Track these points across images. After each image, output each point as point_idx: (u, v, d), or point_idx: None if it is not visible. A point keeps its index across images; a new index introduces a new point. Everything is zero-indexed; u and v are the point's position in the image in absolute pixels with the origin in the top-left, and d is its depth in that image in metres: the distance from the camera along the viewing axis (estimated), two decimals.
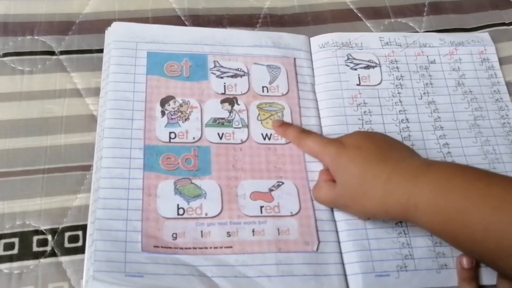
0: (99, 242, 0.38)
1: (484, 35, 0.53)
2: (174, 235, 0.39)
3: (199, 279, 0.38)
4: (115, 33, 0.48)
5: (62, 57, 0.48)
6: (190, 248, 0.39)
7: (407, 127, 0.46)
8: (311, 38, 0.50)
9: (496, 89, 0.49)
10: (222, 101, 0.46)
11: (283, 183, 0.43)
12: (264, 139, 0.45)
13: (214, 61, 0.47)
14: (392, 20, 0.54)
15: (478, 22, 0.55)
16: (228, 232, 0.40)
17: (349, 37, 0.50)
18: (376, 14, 0.54)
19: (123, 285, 0.36)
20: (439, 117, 0.47)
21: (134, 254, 0.38)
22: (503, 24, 0.55)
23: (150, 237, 0.39)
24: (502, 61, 0.52)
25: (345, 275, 0.40)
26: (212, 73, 0.47)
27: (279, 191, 0.42)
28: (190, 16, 0.52)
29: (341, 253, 0.40)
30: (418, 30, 0.54)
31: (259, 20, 0.53)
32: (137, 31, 0.48)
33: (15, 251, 0.39)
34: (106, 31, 0.49)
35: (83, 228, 0.40)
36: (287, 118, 0.46)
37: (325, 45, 0.50)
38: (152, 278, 0.37)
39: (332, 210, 0.42)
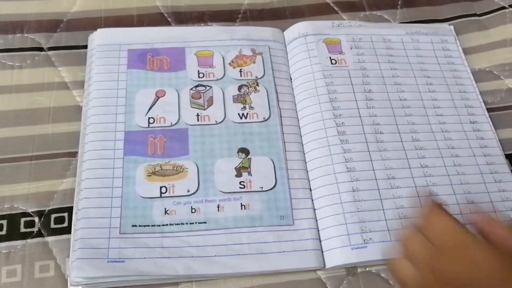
0: (82, 230, 0.40)
1: (445, 25, 0.55)
2: (151, 215, 0.41)
3: (178, 261, 0.39)
4: (99, 38, 0.50)
5: (50, 52, 0.51)
6: (167, 225, 0.41)
7: (372, 106, 0.48)
8: (284, 32, 0.53)
9: (456, 75, 0.52)
10: (198, 86, 0.48)
11: (258, 159, 0.44)
12: (241, 118, 0.47)
13: (193, 54, 0.50)
14: (367, 13, 0.56)
15: (451, 13, 0.57)
16: (195, 209, 0.42)
17: (319, 25, 0.53)
18: (352, 7, 0.57)
19: (105, 271, 0.38)
20: (405, 98, 0.49)
21: (116, 240, 0.40)
22: (475, 15, 0.57)
23: (129, 218, 0.41)
24: (472, 50, 0.54)
25: (322, 250, 0.41)
26: (188, 63, 0.49)
27: (254, 167, 0.44)
28: (173, 13, 0.55)
29: (318, 229, 0.42)
30: (393, 22, 0.56)
31: (239, 15, 0.55)
32: (120, 35, 0.50)
33: (3, 232, 0.41)
34: (89, 37, 0.51)
35: (69, 210, 0.42)
36: (263, 99, 0.48)
37: (298, 35, 0.52)
38: (133, 262, 0.39)
39: (309, 188, 0.44)
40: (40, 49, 0.51)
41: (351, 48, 0.52)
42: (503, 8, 0.57)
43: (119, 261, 0.39)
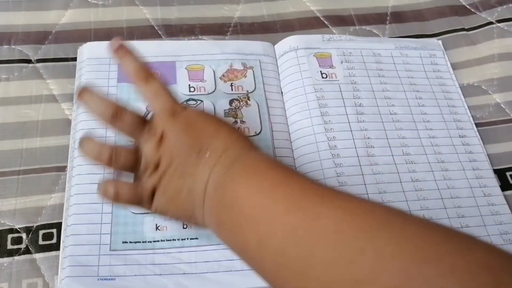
0: (71, 247, 0.39)
1: (433, 40, 0.56)
2: (142, 231, 0.41)
3: (169, 278, 0.39)
4: (88, 51, 0.50)
5: (39, 65, 0.50)
6: (158, 241, 0.40)
7: (363, 120, 0.49)
8: (275, 45, 0.53)
9: (444, 89, 0.52)
10: (189, 100, 0.48)
11: None
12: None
13: (183, 68, 0.49)
14: (357, 27, 0.57)
15: (439, 28, 0.58)
16: (187, 224, 0.41)
17: (310, 39, 0.53)
18: (342, 21, 0.57)
19: None
20: (395, 112, 0.50)
21: (106, 257, 0.39)
22: (463, 29, 0.58)
23: (119, 234, 0.40)
24: (461, 65, 0.55)
25: None
26: (179, 77, 0.49)
27: None
28: (163, 26, 0.54)
29: None
30: (382, 37, 0.56)
31: (230, 29, 0.55)
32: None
33: None
34: (78, 50, 0.50)
35: (58, 226, 0.41)
36: (255, 113, 0.48)
37: (288, 49, 0.52)
38: (123, 280, 0.38)
39: None
40: (28, 61, 0.50)
41: (341, 62, 0.52)
42: (491, 23, 0.58)
43: (109, 279, 0.38)
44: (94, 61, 0.49)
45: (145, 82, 0.38)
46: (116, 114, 0.36)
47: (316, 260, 0.27)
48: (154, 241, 0.40)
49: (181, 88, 0.48)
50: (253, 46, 0.52)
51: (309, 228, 0.28)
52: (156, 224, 0.41)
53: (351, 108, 0.49)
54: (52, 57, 0.50)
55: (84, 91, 0.38)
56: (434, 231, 0.27)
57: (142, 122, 0.37)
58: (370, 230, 0.27)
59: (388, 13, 0.58)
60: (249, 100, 0.48)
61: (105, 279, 0.38)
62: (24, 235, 0.41)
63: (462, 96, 0.52)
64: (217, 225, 0.34)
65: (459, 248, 0.25)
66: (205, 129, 0.36)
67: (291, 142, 0.47)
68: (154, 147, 0.36)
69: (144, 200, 0.36)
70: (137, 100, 0.47)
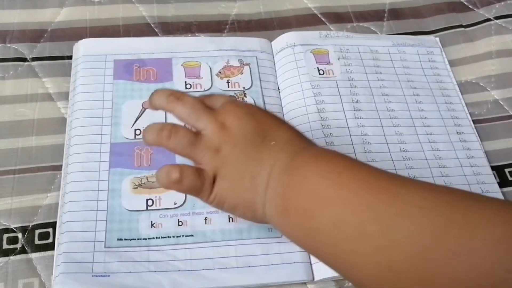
0: (66, 244, 0.39)
1: (431, 37, 0.56)
2: (137, 228, 0.40)
3: (164, 275, 0.38)
4: (84, 48, 0.49)
5: (34, 63, 0.50)
6: (153, 238, 0.40)
7: (360, 117, 0.48)
8: (272, 42, 0.53)
9: (442, 86, 0.52)
10: None
11: None
12: None
13: (180, 65, 0.49)
14: (355, 24, 0.57)
15: (437, 25, 0.57)
16: (182, 221, 0.41)
17: (307, 35, 0.53)
18: (339, 18, 0.57)
19: (90, 285, 0.37)
20: (392, 109, 0.49)
21: (100, 254, 0.39)
22: (461, 26, 0.57)
23: (114, 231, 0.40)
24: (458, 61, 0.54)
25: (310, 263, 0.41)
26: (175, 74, 0.49)
27: None
28: (159, 24, 0.54)
29: None
30: (379, 34, 0.56)
31: (227, 26, 0.55)
32: (105, 45, 0.50)
33: None
34: (74, 46, 0.50)
35: (54, 225, 0.41)
36: None
37: (285, 45, 0.52)
38: (118, 276, 0.38)
39: None
40: (24, 59, 0.50)
41: (338, 59, 0.52)
42: (489, 20, 0.57)
43: (104, 276, 0.38)
44: (90, 58, 0.48)
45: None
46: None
47: (399, 233, 0.28)
48: (149, 238, 0.40)
49: (178, 85, 0.48)
50: (250, 43, 0.52)
51: (389, 204, 0.29)
52: (152, 221, 0.41)
53: (348, 105, 0.49)
54: (47, 56, 0.50)
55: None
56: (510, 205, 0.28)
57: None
58: (454, 204, 0.28)
59: (386, 10, 0.58)
60: (246, 96, 0.48)
61: (99, 275, 0.38)
62: (20, 235, 0.41)
63: (459, 93, 0.52)
64: (282, 213, 0.33)
65: None
66: (268, 121, 0.36)
67: None
68: (216, 131, 0.35)
69: (205, 186, 0.34)
70: (132, 97, 0.47)
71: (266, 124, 0.36)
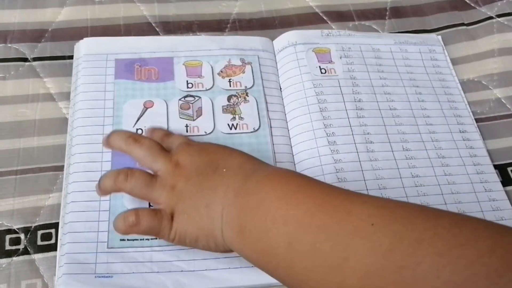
0: (68, 245, 0.39)
1: (433, 35, 0.56)
2: None
3: (167, 275, 0.38)
4: (85, 47, 0.49)
5: (35, 63, 0.49)
6: (156, 238, 0.40)
7: (363, 116, 0.48)
8: (273, 41, 0.53)
9: (444, 85, 0.52)
10: (186, 97, 0.47)
11: None
12: (231, 129, 0.46)
13: (181, 64, 0.49)
14: (356, 23, 0.56)
15: (439, 23, 0.57)
16: None
17: (309, 34, 0.53)
18: (341, 17, 0.56)
19: (93, 286, 0.37)
20: (395, 107, 0.49)
21: (103, 254, 0.39)
22: (463, 24, 0.57)
23: (116, 232, 0.40)
24: (460, 60, 0.54)
25: None
26: (177, 73, 0.49)
27: None
28: (160, 23, 0.54)
29: None
30: (381, 32, 0.56)
31: (228, 25, 0.55)
32: (106, 44, 0.49)
33: None
34: (75, 46, 0.50)
35: (57, 226, 0.41)
36: (253, 109, 0.47)
37: (287, 44, 0.52)
38: (121, 277, 0.38)
39: None
40: (24, 59, 0.50)
41: (340, 58, 0.52)
42: (491, 18, 0.57)
43: (106, 276, 0.38)
44: (91, 57, 0.48)
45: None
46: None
47: (352, 251, 0.28)
48: (152, 239, 0.40)
49: (179, 84, 0.48)
50: (252, 42, 0.52)
51: (342, 223, 0.29)
52: None
53: (350, 104, 0.49)
54: (48, 56, 0.50)
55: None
56: (467, 219, 0.28)
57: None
58: (406, 220, 0.28)
59: (387, 8, 0.58)
60: (248, 96, 0.48)
61: (102, 276, 0.38)
62: (22, 236, 0.41)
63: (462, 92, 0.52)
64: (238, 234, 0.33)
65: (496, 231, 0.26)
66: (219, 152, 0.38)
67: (290, 138, 0.47)
68: (170, 170, 0.37)
69: (164, 224, 0.36)
70: (134, 97, 0.47)
71: (217, 154, 0.37)
